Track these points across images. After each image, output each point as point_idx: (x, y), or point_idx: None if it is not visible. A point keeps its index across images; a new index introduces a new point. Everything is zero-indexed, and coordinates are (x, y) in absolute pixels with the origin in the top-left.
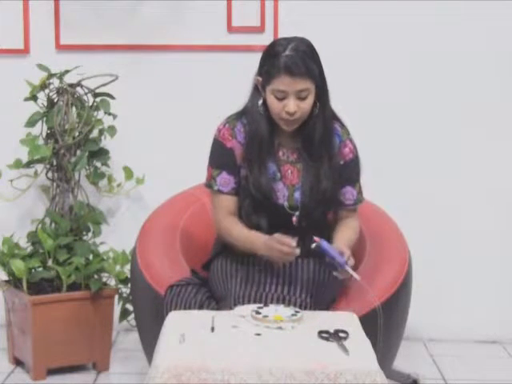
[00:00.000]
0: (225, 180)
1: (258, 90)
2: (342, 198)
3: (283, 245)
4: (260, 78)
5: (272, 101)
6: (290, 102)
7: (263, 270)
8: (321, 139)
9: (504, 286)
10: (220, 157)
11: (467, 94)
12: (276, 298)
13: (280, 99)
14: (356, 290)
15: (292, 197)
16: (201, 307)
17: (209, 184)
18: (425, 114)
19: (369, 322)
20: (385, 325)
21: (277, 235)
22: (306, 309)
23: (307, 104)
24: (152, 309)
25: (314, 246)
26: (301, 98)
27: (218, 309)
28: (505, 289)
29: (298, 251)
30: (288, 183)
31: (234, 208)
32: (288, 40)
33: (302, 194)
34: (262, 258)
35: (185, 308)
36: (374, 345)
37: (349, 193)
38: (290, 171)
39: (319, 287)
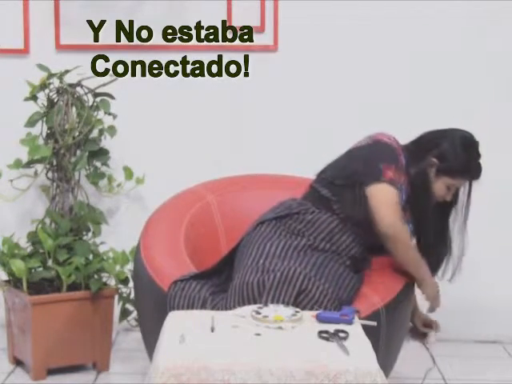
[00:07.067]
0: (395, 175)
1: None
2: None
3: None
4: (436, 161)
5: (441, 188)
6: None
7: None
8: None
9: (504, 286)
10: (392, 154)
11: (467, 94)
12: (303, 276)
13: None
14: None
15: None
16: (204, 303)
17: (391, 182)
18: (425, 114)
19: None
20: (388, 327)
21: None
22: (325, 298)
23: None
24: (155, 304)
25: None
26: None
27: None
28: (505, 289)
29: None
30: None
31: None
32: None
33: None
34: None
35: (188, 303)
36: (377, 346)
37: None
38: None
39: (341, 283)
